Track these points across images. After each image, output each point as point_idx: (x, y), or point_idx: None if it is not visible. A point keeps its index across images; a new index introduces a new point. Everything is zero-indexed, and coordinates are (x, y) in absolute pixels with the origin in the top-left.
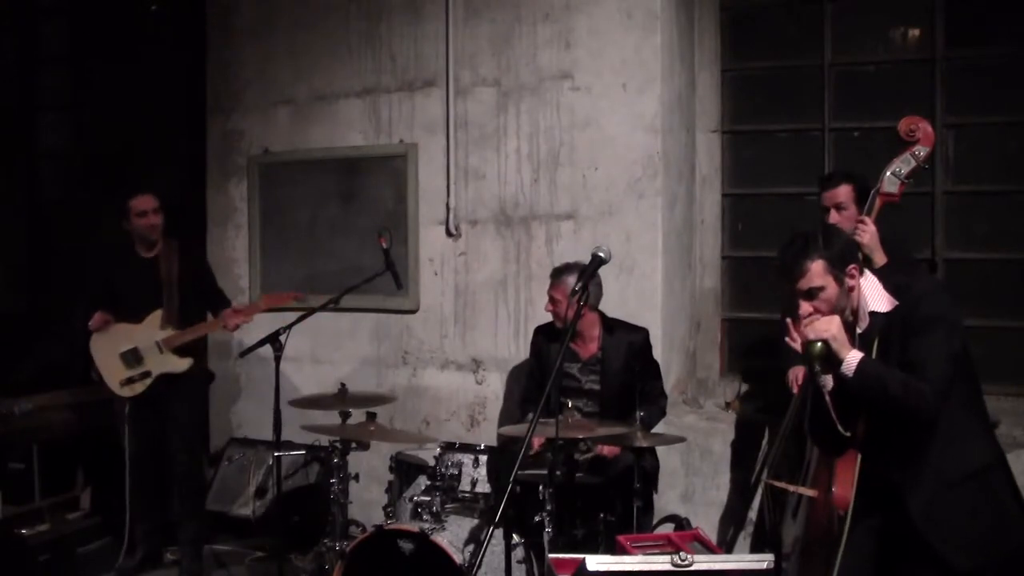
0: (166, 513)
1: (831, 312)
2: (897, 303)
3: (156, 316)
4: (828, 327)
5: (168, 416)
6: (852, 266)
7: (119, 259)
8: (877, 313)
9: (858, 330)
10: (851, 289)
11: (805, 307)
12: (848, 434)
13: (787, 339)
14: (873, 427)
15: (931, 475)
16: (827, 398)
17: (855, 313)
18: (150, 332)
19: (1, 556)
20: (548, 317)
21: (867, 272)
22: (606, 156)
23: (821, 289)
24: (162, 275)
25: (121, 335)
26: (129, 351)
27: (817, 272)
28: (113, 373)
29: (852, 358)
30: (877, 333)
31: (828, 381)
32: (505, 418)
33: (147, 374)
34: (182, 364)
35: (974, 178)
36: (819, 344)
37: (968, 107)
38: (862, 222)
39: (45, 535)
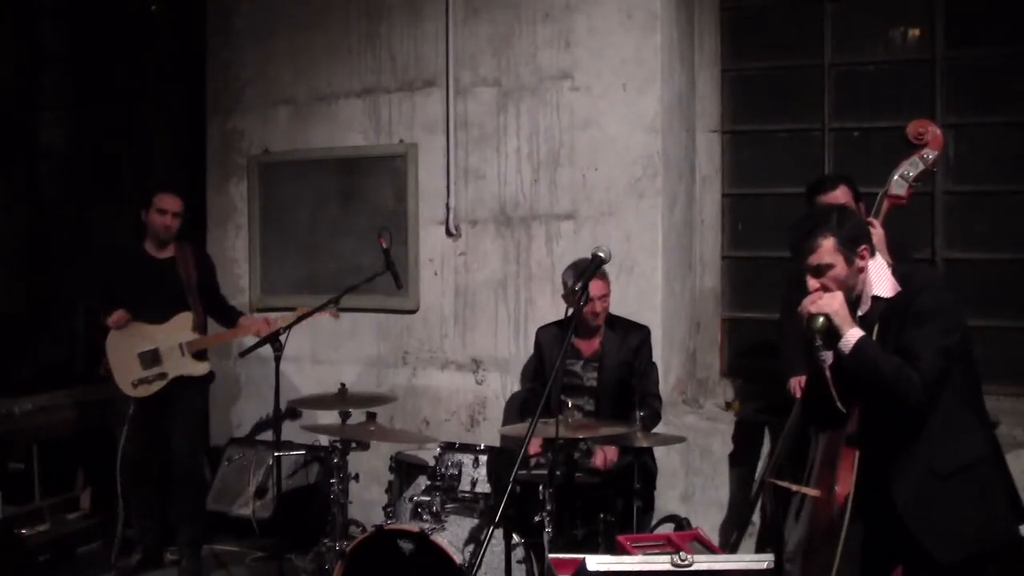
0: (165, 513)
1: (838, 290)
2: (900, 289)
3: (186, 318)
4: (831, 302)
5: (172, 417)
6: (863, 247)
7: (126, 258)
8: (879, 298)
9: (859, 312)
10: (861, 270)
11: (812, 283)
12: (844, 411)
13: (799, 308)
14: (868, 415)
15: (921, 467)
16: (827, 374)
17: (859, 295)
18: (176, 334)
19: (1, 556)
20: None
21: (878, 255)
22: (606, 156)
23: (830, 267)
24: (182, 278)
25: (141, 335)
26: (148, 351)
27: (827, 250)
28: (127, 372)
29: (851, 336)
30: (877, 318)
31: (828, 357)
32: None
33: (163, 375)
34: (201, 368)
35: (974, 178)
36: (821, 318)
37: (968, 107)
38: (870, 224)
39: (45, 535)
